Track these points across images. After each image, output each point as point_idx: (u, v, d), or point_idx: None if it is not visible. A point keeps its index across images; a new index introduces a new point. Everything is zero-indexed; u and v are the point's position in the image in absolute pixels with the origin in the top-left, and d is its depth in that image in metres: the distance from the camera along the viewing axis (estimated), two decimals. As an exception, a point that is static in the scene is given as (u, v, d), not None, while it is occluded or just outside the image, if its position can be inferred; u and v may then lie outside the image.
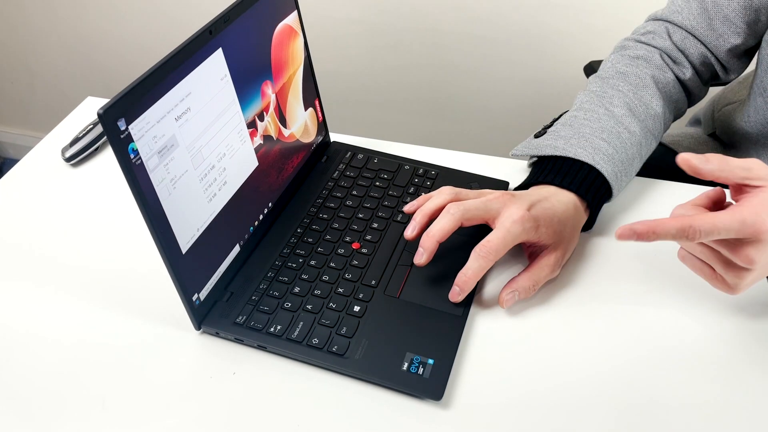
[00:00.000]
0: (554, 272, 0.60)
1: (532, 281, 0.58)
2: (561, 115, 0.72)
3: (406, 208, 0.62)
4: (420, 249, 0.58)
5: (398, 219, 0.68)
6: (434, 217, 0.59)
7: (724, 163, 0.48)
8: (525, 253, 0.63)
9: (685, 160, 0.48)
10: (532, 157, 0.71)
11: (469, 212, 0.58)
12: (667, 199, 0.71)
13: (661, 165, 0.86)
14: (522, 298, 0.59)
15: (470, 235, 0.66)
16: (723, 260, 0.50)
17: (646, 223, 0.48)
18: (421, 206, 0.61)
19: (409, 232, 0.60)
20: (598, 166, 0.64)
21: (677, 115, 0.78)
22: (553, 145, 0.67)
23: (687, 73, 0.75)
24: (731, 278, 0.51)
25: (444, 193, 0.61)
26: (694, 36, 0.75)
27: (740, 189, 0.49)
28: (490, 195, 0.60)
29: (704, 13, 0.74)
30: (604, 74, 0.74)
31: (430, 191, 0.71)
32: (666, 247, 0.64)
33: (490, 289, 0.62)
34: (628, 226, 0.48)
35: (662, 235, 0.48)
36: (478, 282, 0.60)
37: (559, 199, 0.62)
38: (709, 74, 0.78)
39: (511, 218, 0.57)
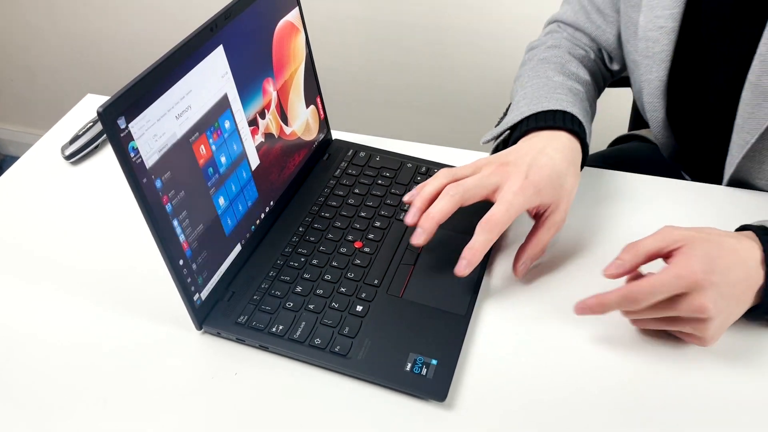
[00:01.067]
0: (560, 226, 0.60)
1: (540, 246, 0.59)
2: (508, 108, 0.74)
3: (406, 198, 0.61)
4: (419, 229, 0.57)
5: (401, 218, 0.67)
6: (433, 201, 0.59)
7: (635, 252, 0.53)
8: (530, 214, 0.62)
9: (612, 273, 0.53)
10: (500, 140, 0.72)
11: (469, 191, 0.58)
12: (659, 195, 0.71)
13: (647, 161, 0.87)
14: (534, 262, 0.60)
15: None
16: (680, 321, 0.52)
17: (595, 297, 0.52)
18: (419, 193, 0.60)
19: (409, 218, 0.59)
20: (568, 109, 0.65)
21: (599, 89, 0.81)
22: (518, 113, 0.67)
23: (591, 55, 0.79)
24: (696, 331, 0.52)
25: (440, 176, 0.60)
26: (581, 30, 0.80)
27: (669, 255, 0.52)
28: (486, 169, 0.59)
29: (582, 9, 0.79)
30: (526, 70, 0.76)
31: (432, 189, 0.70)
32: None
33: (494, 289, 0.61)
34: (582, 303, 0.53)
35: (609, 306, 0.52)
36: (481, 283, 0.60)
37: (554, 147, 0.61)
38: (603, 65, 0.82)
39: (511, 191, 0.57)
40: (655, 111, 0.75)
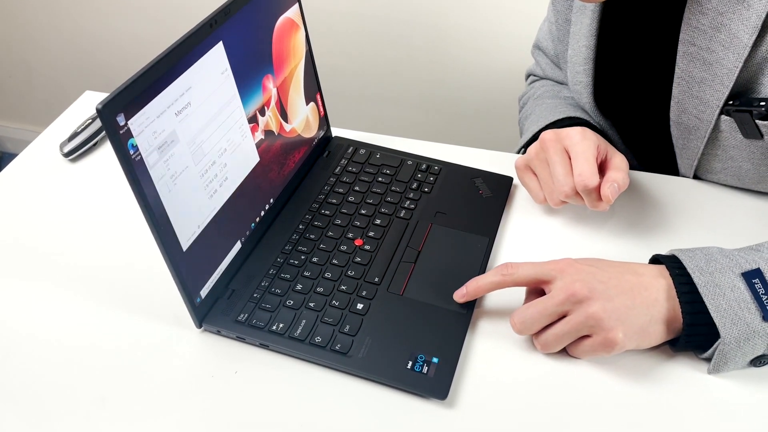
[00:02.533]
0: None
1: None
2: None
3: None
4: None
5: (401, 215, 0.67)
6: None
7: (476, 286, 0.56)
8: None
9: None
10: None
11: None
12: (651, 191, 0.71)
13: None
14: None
15: (479, 233, 0.65)
16: (585, 338, 0.52)
17: (471, 282, 0.56)
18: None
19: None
20: (577, 114, 0.73)
21: None
22: (529, 132, 0.75)
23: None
24: (599, 333, 0.51)
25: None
26: (554, 79, 0.85)
27: (547, 282, 0.54)
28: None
29: (549, 65, 0.86)
30: (525, 109, 0.83)
31: (433, 187, 0.70)
32: (672, 247, 0.63)
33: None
34: (458, 292, 0.57)
35: (484, 281, 0.56)
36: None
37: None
38: None
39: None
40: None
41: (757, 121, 0.60)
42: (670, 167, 0.75)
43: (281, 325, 0.55)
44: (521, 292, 0.58)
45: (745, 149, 0.64)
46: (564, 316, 0.52)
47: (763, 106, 0.59)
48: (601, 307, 0.51)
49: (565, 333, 0.52)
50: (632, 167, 0.78)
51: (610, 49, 0.72)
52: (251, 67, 0.60)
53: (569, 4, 0.74)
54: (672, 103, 0.67)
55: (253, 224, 0.63)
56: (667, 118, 0.69)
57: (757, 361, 0.52)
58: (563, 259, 0.55)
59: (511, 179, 0.72)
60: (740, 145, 0.64)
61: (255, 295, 0.58)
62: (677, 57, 0.64)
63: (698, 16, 0.61)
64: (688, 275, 0.52)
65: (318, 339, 0.54)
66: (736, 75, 0.60)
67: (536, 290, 0.56)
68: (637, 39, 0.70)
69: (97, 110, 0.44)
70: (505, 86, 1.45)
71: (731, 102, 0.62)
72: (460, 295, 0.57)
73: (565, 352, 0.55)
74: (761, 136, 0.61)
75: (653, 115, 0.72)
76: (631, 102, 0.74)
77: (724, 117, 0.63)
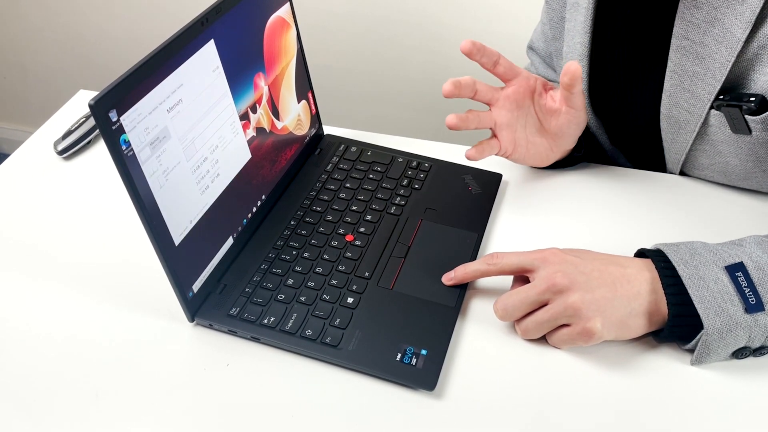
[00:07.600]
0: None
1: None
2: None
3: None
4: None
5: (391, 211, 0.68)
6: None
7: (464, 272, 0.59)
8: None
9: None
10: None
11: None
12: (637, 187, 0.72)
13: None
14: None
15: (468, 229, 0.66)
16: (564, 326, 0.54)
17: (459, 267, 0.59)
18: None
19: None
20: None
21: None
22: None
23: None
24: (576, 323, 0.52)
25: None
26: (549, 79, 0.85)
27: (530, 271, 0.56)
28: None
29: (542, 63, 0.87)
30: None
31: (423, 184, 0.71)
32: (657, 241, 0.64)
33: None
34: (446, 275, 0.59)
35: (471, 268, 0.58)
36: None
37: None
38: None
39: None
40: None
41: (746, 116, 0.61)
42: (657, 165, 0.76)
43: (272, 319, 0.56)
44: (509, 284, 0.59)
45: (733, 144, 0.65)
46: (546, 305, 0.54)
47: (752, 101, 0.60)
48: (580, 298, 0.52)
49: (545, 321, 0.54)
50: (620, 165, 0.79)
51: (605, 46, 0.72)
52: (242, 65, 0.61)
53: (563, 2, 0.75)
54: (663, 96, 0.67)
55: (245, 220, 0.63)
56: (658, 113, 0.70)
57: (739, 353, 0.53)
58: (549, 248, 0.56)
59: (500, 176, 0.73)
60: (728, 140, 0.65)
61: (247, 289, 0.59)
62: (670, 50, 0.65)
63: (692, 10, 0.61)
64: (673, 268, 0.53)
65: (309, 332, 0.55)
66: (728, 69, 0.61)
67: (523, 278, 0.57)
68: (631, 34, 0.70)
69: (90, 106, 0.44)
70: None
71: (722, 96, 0.63)
72: (448, 278, 0.59)
73: (549, 348, 0.56)
74: (749, 131, 0.62)
75: (644, 110, 0.73)
76: (624, 97, 0.75)
77: (713, 111, 0.64)
